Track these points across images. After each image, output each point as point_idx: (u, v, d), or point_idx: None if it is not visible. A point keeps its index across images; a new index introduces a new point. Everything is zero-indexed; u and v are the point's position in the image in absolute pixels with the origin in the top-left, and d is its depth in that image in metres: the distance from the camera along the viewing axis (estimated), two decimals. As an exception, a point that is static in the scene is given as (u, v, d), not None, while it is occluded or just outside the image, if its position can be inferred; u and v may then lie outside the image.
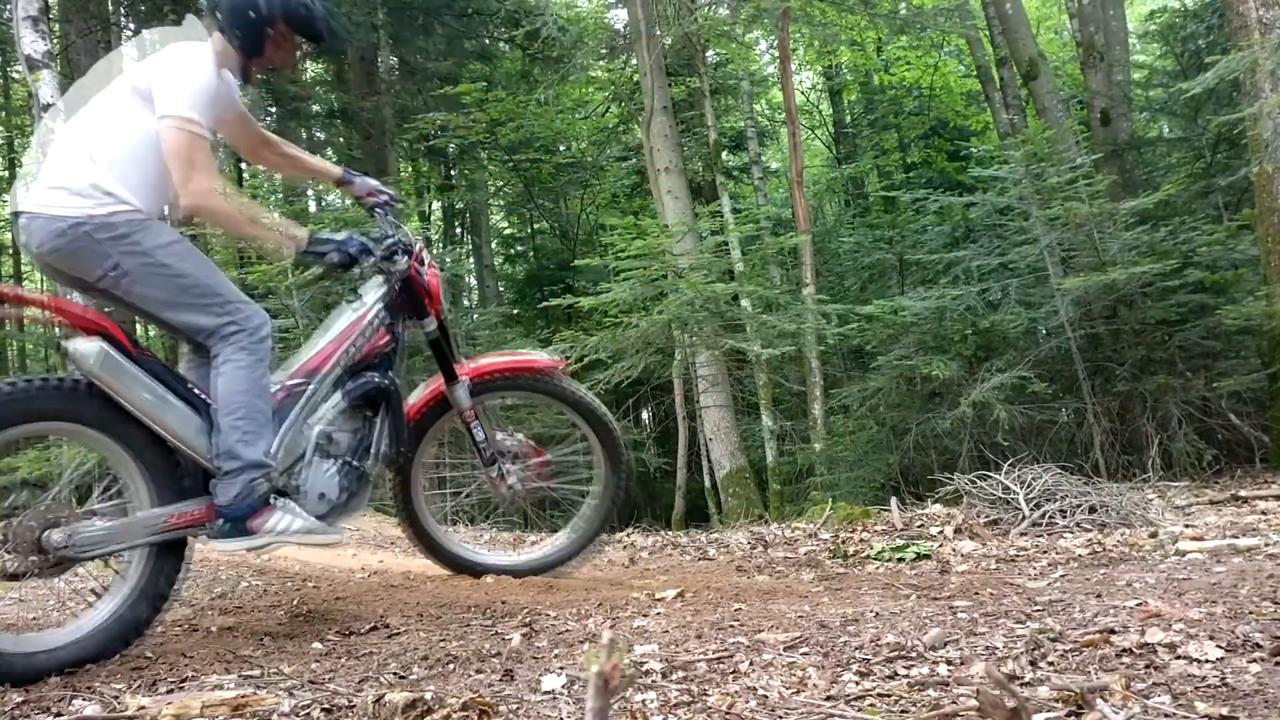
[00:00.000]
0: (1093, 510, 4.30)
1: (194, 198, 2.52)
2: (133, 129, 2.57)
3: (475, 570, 3.44)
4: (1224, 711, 1.39)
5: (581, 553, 3.53)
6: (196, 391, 2.62)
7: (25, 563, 2.39)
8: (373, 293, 3.01)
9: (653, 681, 1.77)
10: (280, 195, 10.53)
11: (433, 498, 3.57)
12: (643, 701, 1.64)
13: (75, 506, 2.57)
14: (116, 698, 1.88)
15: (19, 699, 1.93)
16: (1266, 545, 3.26)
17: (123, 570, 2.57)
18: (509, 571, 3.42)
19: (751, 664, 1.87)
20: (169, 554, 2.58)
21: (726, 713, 1.55)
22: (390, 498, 3.47)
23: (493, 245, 17.79)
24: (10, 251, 16.48)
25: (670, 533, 6.53)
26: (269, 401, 2.66)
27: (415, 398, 3.23)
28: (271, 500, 2.63)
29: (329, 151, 15.27)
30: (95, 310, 2.60)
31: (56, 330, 2.50)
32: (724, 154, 13.22)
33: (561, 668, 1.95)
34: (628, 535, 5.79)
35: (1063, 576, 2.97)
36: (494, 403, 3.43)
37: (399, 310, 3.03)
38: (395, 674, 2.04)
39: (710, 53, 12.43)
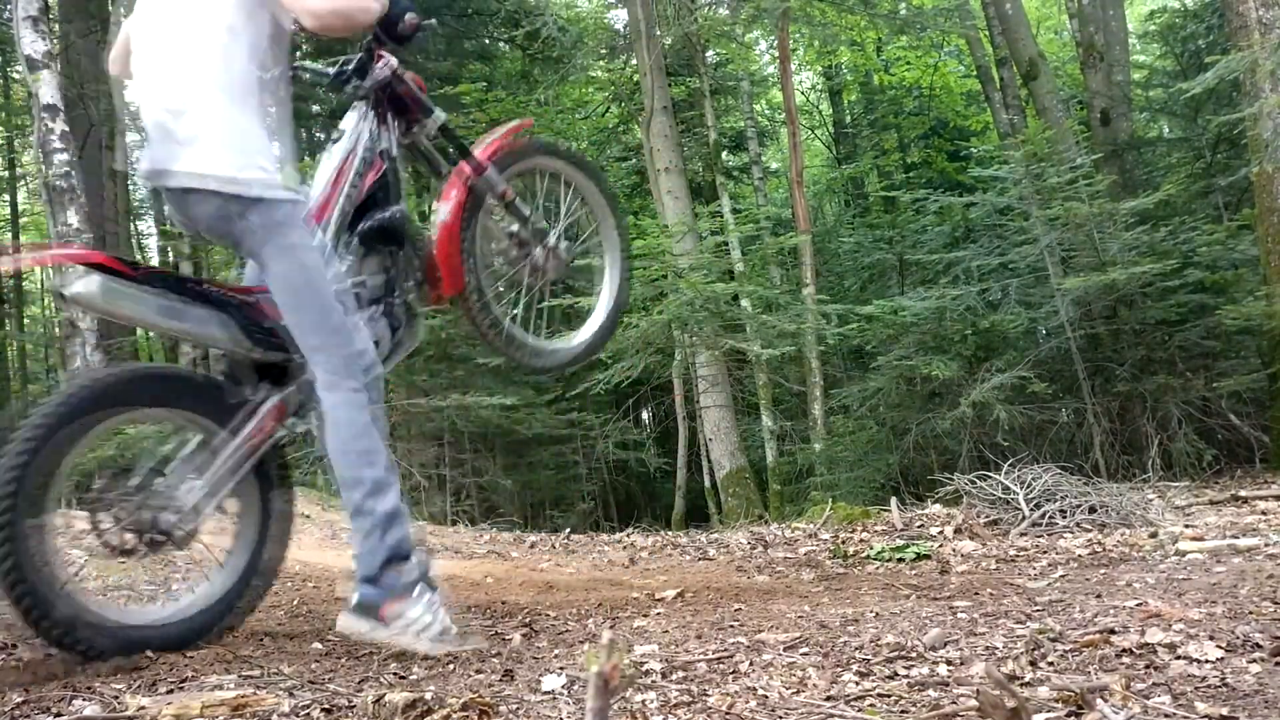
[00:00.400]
0: (1093, 510, 4.30)
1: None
2: None
3: (551, 361, 3.31)
4: (1224, 711, 1.38)
5: (620, 304, 3.41)
6: (214, 288, 2.46)
7: (145, 540, 2.36)
8: (355, 121, 2.68)
9: (653, 681, 1.77)
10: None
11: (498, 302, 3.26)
12: (643, 701, 1.64)
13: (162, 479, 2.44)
14: (116, 698, 1.88)
15: (19, 699, 1.93)
16: (1266, 545, 3.26)
17: (242, 512, 2.54)
18: (581, 351, 3.33)
19: (751, 664, 1.87)
20: (271, 479, 2.55)
21: (726, 713, 1.55)
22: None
23: (493, 245, 17.77)
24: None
25: (670, 533, 6.53)
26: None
27: (445, 213, 2.87)
28: (416, 589, 2.29)
29: (329, 151, 15.28)
30: (82, 246, 2.50)
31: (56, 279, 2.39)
32: (724, 154, 13.22)
33: (561, 668, 1.95)
34: (628, 535, 5.80)
35: (1063, 577, 2.97)
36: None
37: (390, 126, 2.73)
38: (395, 674, 2.04)
39: (710, 53, 12.44)
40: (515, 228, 2.99)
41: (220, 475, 2.41)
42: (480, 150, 2.92)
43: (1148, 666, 1.65)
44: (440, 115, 2.79)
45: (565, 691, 1.76)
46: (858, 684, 1.67)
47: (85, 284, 2.26)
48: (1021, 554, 3.62)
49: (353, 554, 2.34)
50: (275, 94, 2.44)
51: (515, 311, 3.26)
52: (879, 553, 3.84)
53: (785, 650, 1.99)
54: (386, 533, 2.28)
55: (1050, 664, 1.72)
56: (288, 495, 2.63)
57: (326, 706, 1.70)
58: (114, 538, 2.34)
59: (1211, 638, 1.77)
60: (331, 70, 2.69)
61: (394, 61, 2.66)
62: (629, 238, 3.34)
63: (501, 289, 3.11)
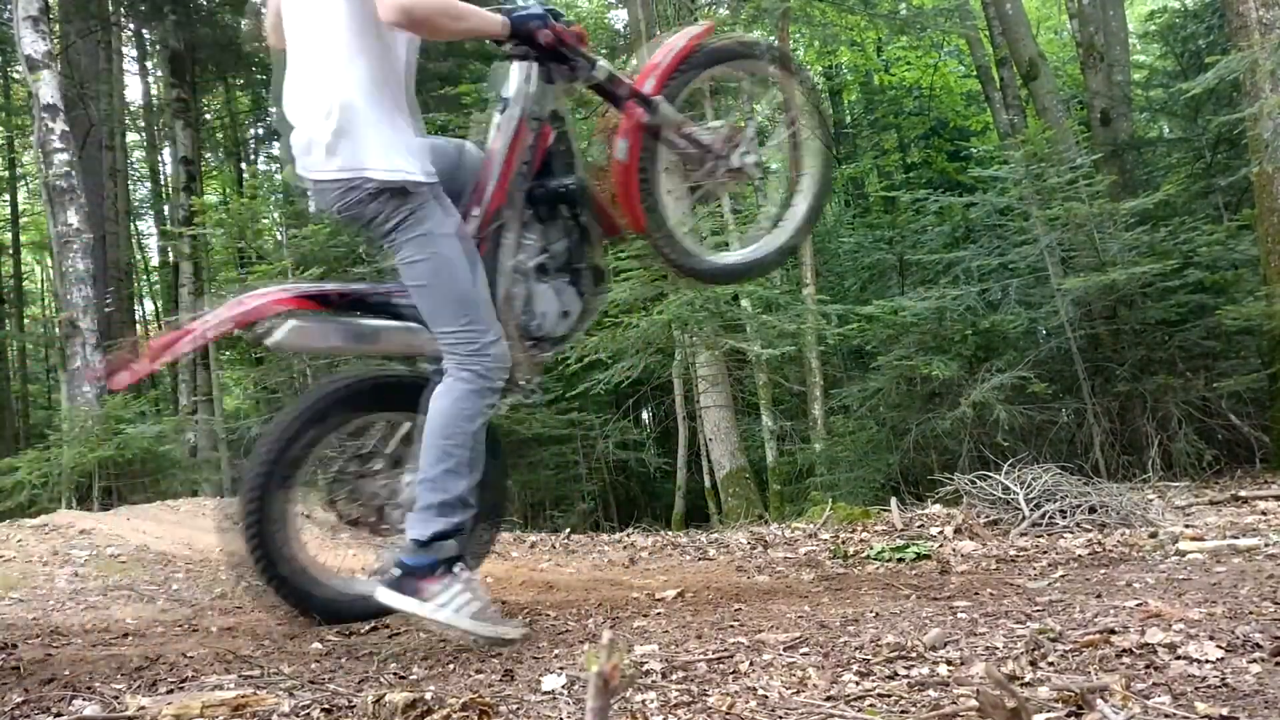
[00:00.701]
0: (1093, 510, 4.30)
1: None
2: None
3: (741, 271, 3.26)
4: (1224, 712, 1.38)
5: (819, 204, 3.19)
6: (390, 298, 2.53)
7: (367, 520, 2.60)
8: (519, 85, 2.57)
9: (653, 681, 1.77)
10: (280, 194, 10.53)
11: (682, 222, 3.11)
12: (643, 701, 1.64)
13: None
14: (116, 698, 1.88)
15: (19, 699, 1.93)
16: (1266, 545, 3.26)
17: None
18: (753, 265, 3.21)
19: (751, 664, 1.87)
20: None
21: (726, 713, 1.55)
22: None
23: (493, 245, 17.76)
24: (10, 252, 16.49)
25: (670, 533, 6.53)
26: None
27: (622, 153, 2.77)
28: (457, 566, 2.32)
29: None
30: (267, 294, 2.50)
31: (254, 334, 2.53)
32: (724, 154, 13.19)
33: (561, 668, 1.95)
34: (628, 535, 5.80)
35: (1063, 577, 2.97)
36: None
37: (555, 85, 2.61)
38: (395, 674, 2.04)
39: (710, 53, 12.39)
40: (695, 149, 2.86)
41: None
42: (650, 81, 2.76)
43: (1148, 666, 1.65)
44: (603, 68, 2.64)
45: (565, 691, 1.77)
46: (858, 684, 1.67)
47: (281, 332, 2.41)
48: (1021, 554, 3.62)
49: (409, 520, 2.37)
50: (403, 80, 2.46)
51: (696, 228, 3.19)
52: (879, 553, 3.84)
53: (785, 650, 1.99)
54: (448, 511, 2.31)
55: (1050, 664, 1.72)
56: (499, 469, 2.78)
57: (326, 706, 1.70)
58: (348, 513, 2.61)
59: (1211, 638, 1.77)
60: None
61: (545, 14, 2.50)
62: (830, 130, 3.07)
63: (683, 215, 2.99)
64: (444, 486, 2.31)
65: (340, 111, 2.32)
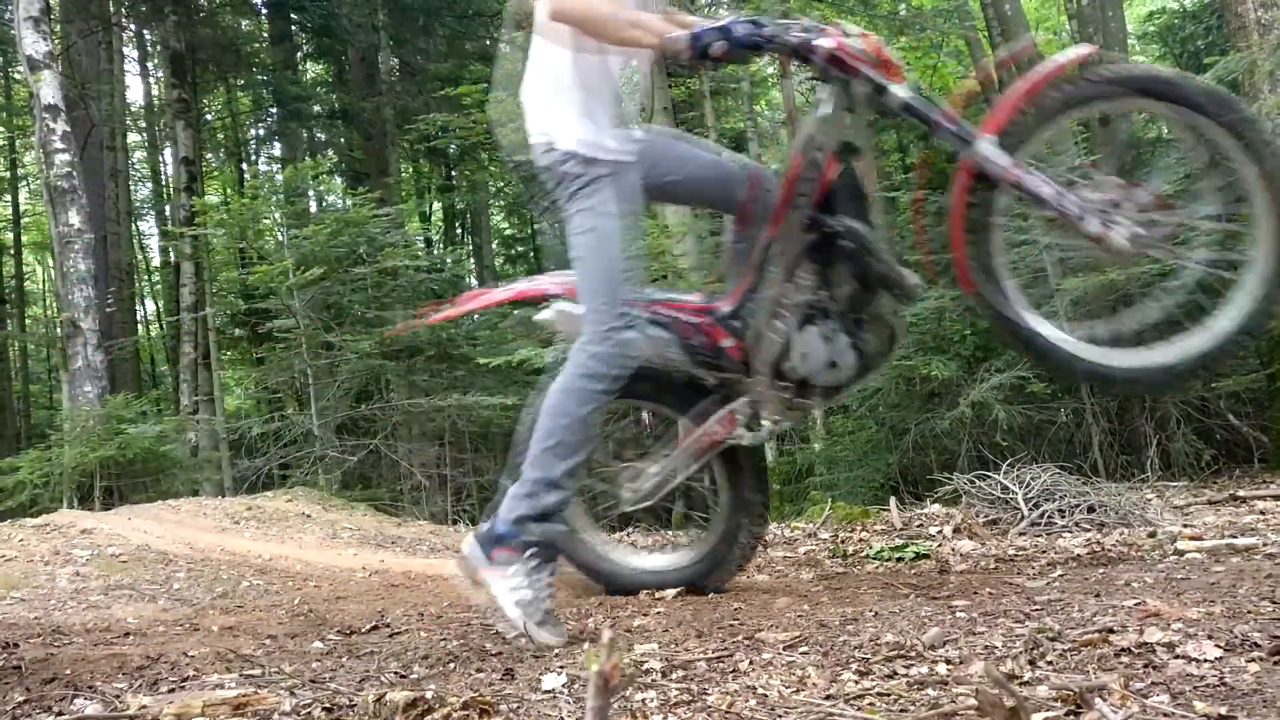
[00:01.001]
0: (1091, 510, 4.31)
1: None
2: None
3: (1120, 375, 2.52)
4: (1222, 711, 1.39)
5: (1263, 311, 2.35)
6: (658, 311, 2.65)
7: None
8: (819, 107, 2.44)
9: (652, 680, 1.78)
10: (281, 195, 10.53)
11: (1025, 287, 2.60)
12: (643, 700, 1.65)
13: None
14: (118, 697, 1.89)
15: (20, 698, 1.94)
16: (1265, 545, 3.26)
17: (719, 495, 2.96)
18: (1148, 374, 2.47)
19: (751, 663, 1.88)
20: (738, 466, 2.89)
21: (726, 712, 1.55)
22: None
23: (493, 245, 17.80)
24: (11, 252, 16.49)
25: (671, 533, 6.53)
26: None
27: (950, 200, 2.42)
28: (530, 552, 2.31)
29: (329, 152, 15.29)
30: (552, 281, 2.76)
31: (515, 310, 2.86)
32: (724, 154, 13.20)
33: (562, 667, 1.95)
34: (628, 535, 5.80)
35: (1061, 576, 2.98)
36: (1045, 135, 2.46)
37: (853, 110, 2.41)
38: (396, 673, 2.04)
39: (710, 53, 12.39)
40: (1047, 208, 2.36)
41: (682, 461, 2.81)
42: (987, 120, 2.38)
43: (1146, 666, 1.65)
44: (899, 94, 2.36)
45: (566, 690, 1.77)
46: (857, 683, 1.68)
47: (548, 312, 2.66)
48: (1020, 553, 3.62)
49: (509, 492, 2.42)
50: (603, 79, 2.49)
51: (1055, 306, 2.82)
52: (878, 552, 3.85)
53: (785, 649, 1.99)
54: (541, 491, 2.34)
55: (1049, 663, 1.72)
56: (757, 485, 2.98)
57: (327, 706, 1.71)
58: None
59: (1210, 637, 1.78)
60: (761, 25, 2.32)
61: (835, 34, 2.37)
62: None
63: (1035, 287, 2.52)
64: (544, 464, 2.33)
65: (544, 91, 2.48)
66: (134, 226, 16.47)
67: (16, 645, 2.44)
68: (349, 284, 8.44)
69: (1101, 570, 3.05)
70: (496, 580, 2.29)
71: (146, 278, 18.44)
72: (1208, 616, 1.99)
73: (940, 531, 4.31)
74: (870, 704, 1.55)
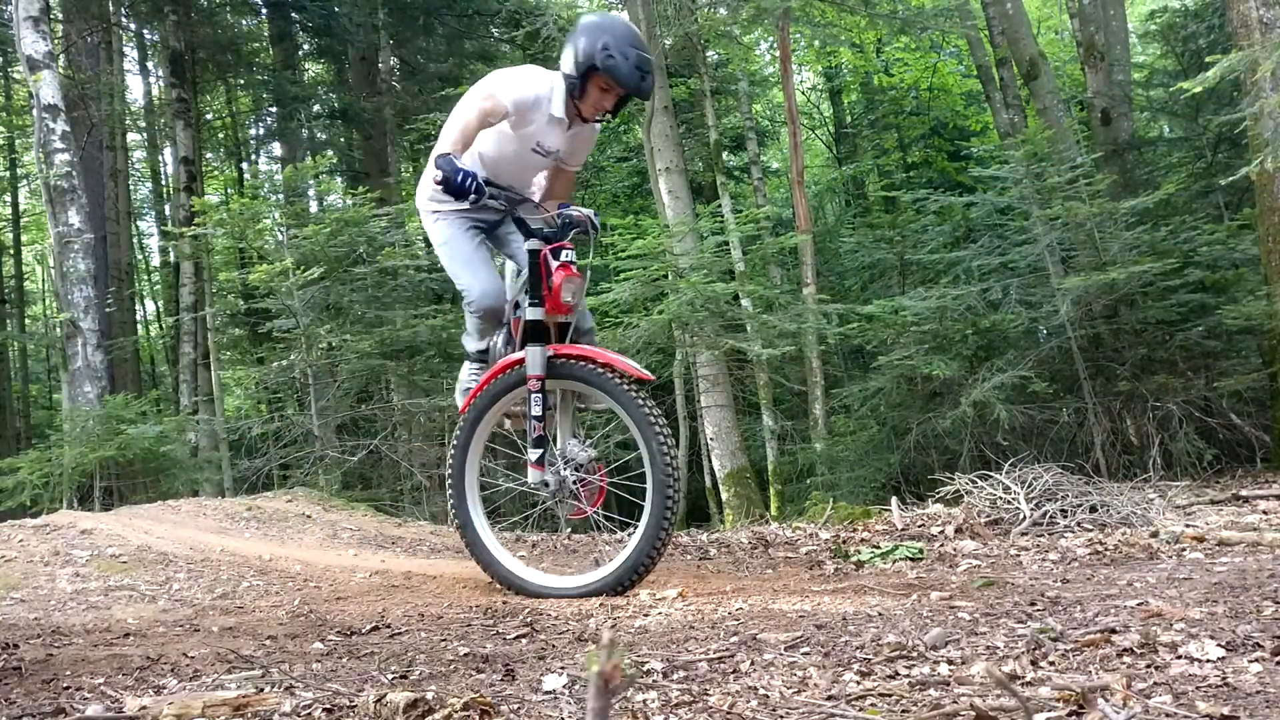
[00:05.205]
0: (1093, 510, 4.30)
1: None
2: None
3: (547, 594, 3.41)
4: (1225, 711, 1.38)
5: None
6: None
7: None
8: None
9: (653, 681, 1.77)
10: (281, 195, 10.52)
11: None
12: (644, 701, 1.64)
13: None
14: (118, 698, 1.88)
15: (21, 698, 1.93)
16: (1267, 545, 3.26)
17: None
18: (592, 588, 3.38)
19: (752, 664, 1.87)
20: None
21: (727, 712, 1.55)
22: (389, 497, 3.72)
23: (493, 245, 17.75)
24: (11, 252, 16.49)
25: (671, 533, 6.52)
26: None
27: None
28: None
29: (329, 152, 15.29)
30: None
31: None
32: (724, 154, 13.22)
33: (562, 667, 1.95)
34: (629, 535, 5.79)
35: (1063, 576, 2.97)
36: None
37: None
38: (396, 674, 2.04)
39: (711, 53, 12.43)
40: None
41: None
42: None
43: (1149, 666, 1.65)
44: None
45: (566, 691, 1.77)
46: (859, 683, 1.67)
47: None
48: (1022, 553, 3.61)
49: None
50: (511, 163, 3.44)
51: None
52: (880, 552, 3.84)
53: (786, 650, 1.99)
54: None
55: (1051, 663, 1.72)
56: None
57: (328, 706, 1.70)
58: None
59: (1212, 637, 1.77)
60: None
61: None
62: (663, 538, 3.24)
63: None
64: None
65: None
66: (134, 226, 16.46)
67: (16, 646, 2.43)
68: (349, 284, 8.43)
69: (1104, 570, 3.05)
70: None
71: (146, 278, 18.44)
72: (1210, 616, 1.99)
73: (942, 531, 4.31)
74: (872, 704, 1.55)
